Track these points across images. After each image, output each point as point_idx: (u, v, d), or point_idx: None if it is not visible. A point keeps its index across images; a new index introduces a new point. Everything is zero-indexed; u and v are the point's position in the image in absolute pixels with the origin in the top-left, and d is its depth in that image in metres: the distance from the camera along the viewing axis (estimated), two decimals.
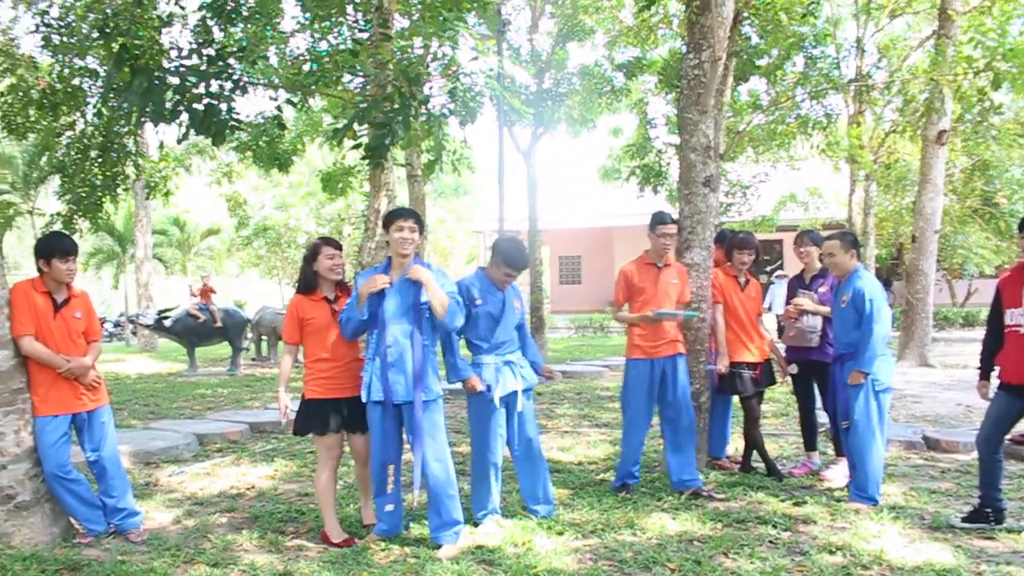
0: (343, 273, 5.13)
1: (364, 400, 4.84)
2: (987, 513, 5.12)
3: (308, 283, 5.06)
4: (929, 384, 11.84)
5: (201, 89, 7.28)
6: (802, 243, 6.65)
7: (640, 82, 18.07)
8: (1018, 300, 5.02)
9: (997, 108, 14.28)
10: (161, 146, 13.87)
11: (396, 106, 7.44)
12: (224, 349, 17.16)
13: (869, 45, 17.10)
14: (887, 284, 6.40)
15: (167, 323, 15.15)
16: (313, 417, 4.97)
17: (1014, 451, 6.91)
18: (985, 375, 5.35)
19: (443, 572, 4.38)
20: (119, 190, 12.05)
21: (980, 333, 5.69)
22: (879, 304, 5.62)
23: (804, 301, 6.46)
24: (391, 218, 4.87)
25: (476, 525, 5.19)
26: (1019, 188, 18.49)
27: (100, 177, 11.17)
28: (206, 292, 15.81)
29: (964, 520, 5.16)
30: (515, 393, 5.28)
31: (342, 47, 9.80)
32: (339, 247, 5.15)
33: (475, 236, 32.37)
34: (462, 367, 5.17)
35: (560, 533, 5.06)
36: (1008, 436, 5.30)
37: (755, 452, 6.66)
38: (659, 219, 6.05)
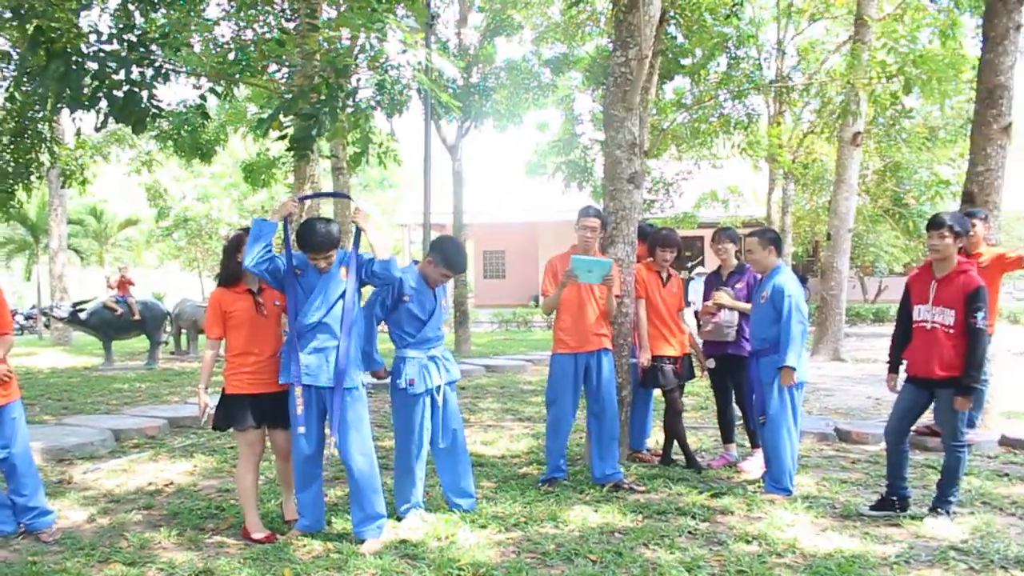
0: None
1: (282, 382, 4.81)
2: (893, 501, 5.33)
3: (231, 275, 4.96)
4: (841, 378, 12.23)
5: (121, 75, 7.07)
6: (719, 240, 6.81)
7: (567, 78, 18.24)
8: (925, 297, 5.23)
9: (908, 112, 14.81)
10: (78, 133, 13.45)
11: (323, 97, 7.36)
12: (142, 343, 16.75)
13: (789, 48, 17.56)
14: (803, 281, 6.67)
15: (82, 316, 14.69)
16: (234, 412, 4.89)
17: (918, 442, 7.20)
18: (894, 369, 5.56)
19: (366, 567, 4.37)
20: (32, 177, 11.66)
21: (890, 328, 5.91)
22: (798, 300, 5.80)
23: (723, 297, 6.63)
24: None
25: (399, 519, 5.19)
26: (927, 189, 19.15)
27: (12, 164, 10.79)
28: (124, 284, 15.38)
29: (872, 508, 5.37)
30: (439, 387, 5.29)
31: (268, 36, 9.65)
32: None
33: (401, 230, 32.17)
34: (377, 358, 5.18)
35: (483, 526, 5.10)
36: (913, 427, 5.52)
37: (675, 445, 6.80)
38: (583, 212, 6.16)
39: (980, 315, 4.98)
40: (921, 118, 17.91)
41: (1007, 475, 6.37)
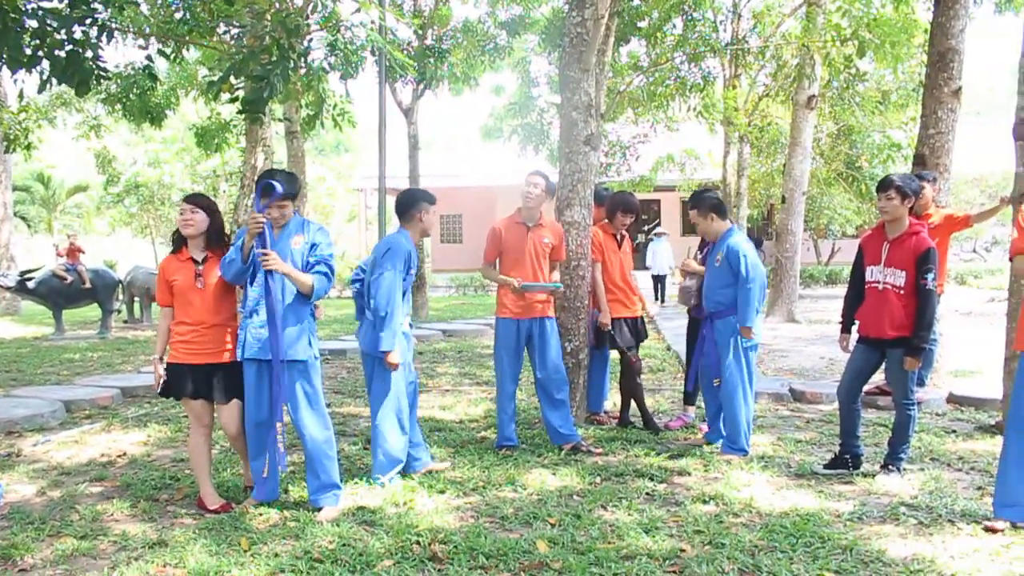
0: (203, 230, 4.82)
1: (239, 358, 4.74)
2: (846, 459, 5.43)
3: (176, 242, 4.89)
4: (795, 339, 12.41)
5: (63, 35, 6.83)
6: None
7: (523, 41, 18.06)
8: (878, 258, 5.29)
9: (861, 76, 14.92)
10: (20, 96, 13.05)
11: (274, 58, 7.19)
12: (94, 311, 16.44)
13: (745, 11, 17.54)
14: (758, 244, 6.69)
15: (31, 284, 14.34)
16: (173, 381, 4.80)
17: (870, 401, 7.34)
18: (846, 329, 5.63)
19: (324, 535, 4.35)
20: None
21: (842, 290, 5.98)
22: (753, 260, 5.84)
23: (690, 263, 6.68)
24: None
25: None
26: (879, 152, 19.40)
27: None
28: (73, 252, 15.04)
29: (826, 467, 5.46)
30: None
31: None
32: (198, 203, 4.85)
33: (356, 194, 31.84)
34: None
35: (441, 491, 5.10)
36: (865, 388, 5.61)
37: (632, 406, 6.85)
38: (531, 172, 6.18)
39: (930, 276, 5.05)
40: (874, 82, 18.07)
41: (955, 431, 6.53)
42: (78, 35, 6.89)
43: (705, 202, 6.10)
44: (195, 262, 4.80)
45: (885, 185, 5.22)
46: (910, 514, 4.60)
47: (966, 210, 7.58)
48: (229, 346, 4.81)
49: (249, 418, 4.78)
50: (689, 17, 15.16)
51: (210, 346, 4.77)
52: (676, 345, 11.43)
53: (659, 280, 19.44)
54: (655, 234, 19.65)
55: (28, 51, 6.66)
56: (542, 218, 6.17)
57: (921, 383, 6.67)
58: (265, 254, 4.55)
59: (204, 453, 4.93)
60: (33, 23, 6.65)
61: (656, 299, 19.15)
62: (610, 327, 6.59)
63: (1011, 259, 4.23)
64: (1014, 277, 6.29)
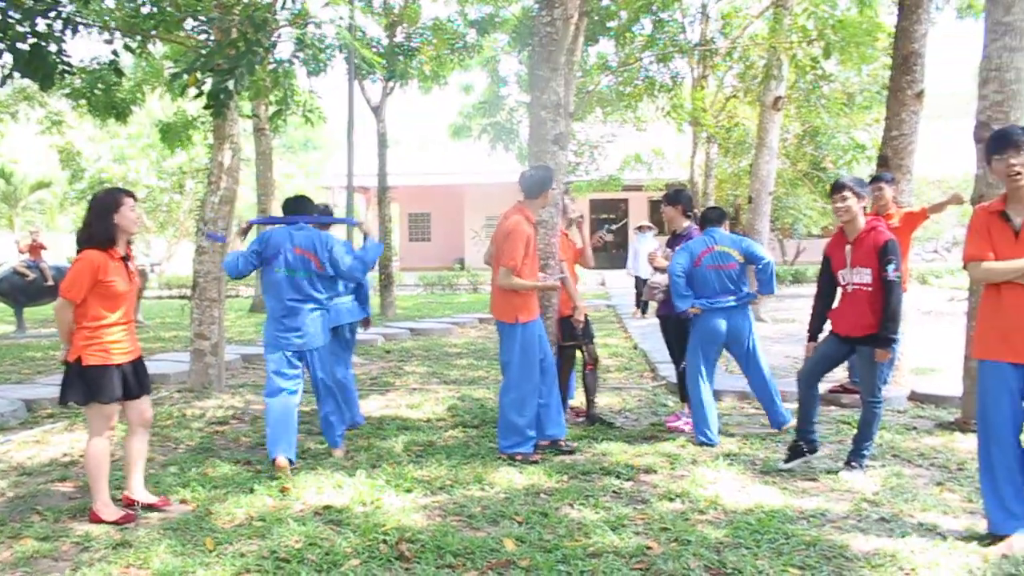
0: None
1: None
2: (801, 446, 5.50)
3: (109, 237, 4.64)
4: (761, 338, 12.39)
5: (26, 27, 6.73)
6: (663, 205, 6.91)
7: (493, 40, 18.05)
8: (843, 261, 5.36)
9: (827, 77, 15.08)
10: None
11: (240, 52, 7.13)
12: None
13: (713, 11, 17.67)
14: None
15: None
16: (105, 384, 4.61)
17: (833, 399, 7.44)
18: (813, 338, 5.69)
19: (289, 534, 4.33)
20: None
21: (808, 289, 6.08)
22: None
23: (659, 260, 6.78)
24: None
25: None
26: (844, 153, 19.61)
27: None
28: (35, 248, 14.82)
29: (786, 461, 5.53)
30: None
31: None
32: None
33: (325, 192, 31.64)
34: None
35: (408, 490, 5.09)
36: (829, 387, 5.69)
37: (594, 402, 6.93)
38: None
39: (891, 267, 5.11)
40: (840, 84, 18.26)
41: (915, 428, 6.64)
42: (41, 28, 6.79)
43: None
44: (124, 259, 4.72)
45: (838, 187, 5.31)
46: (872, 510, 4.67)
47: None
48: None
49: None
50: (658, 18, 15.23)
51: (134, 343, 4.80)
52: (643, 343, 11.49)
53: (643, 284, 16.63)
54: (638, 229, 17.37)
55: None
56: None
57: (883, 381, 6.75)
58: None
59: (107, 460, 4.74)
60: None
61: (637, 306, 16.21)
62: (580, 324, 6.63)
63: (964, 266, 4.30)
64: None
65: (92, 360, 4.59)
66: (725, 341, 6.37)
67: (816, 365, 5.51)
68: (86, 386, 4.60)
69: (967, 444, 5.97)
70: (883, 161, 7.96)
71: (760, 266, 6.40)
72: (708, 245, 6.32)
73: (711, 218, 6.49)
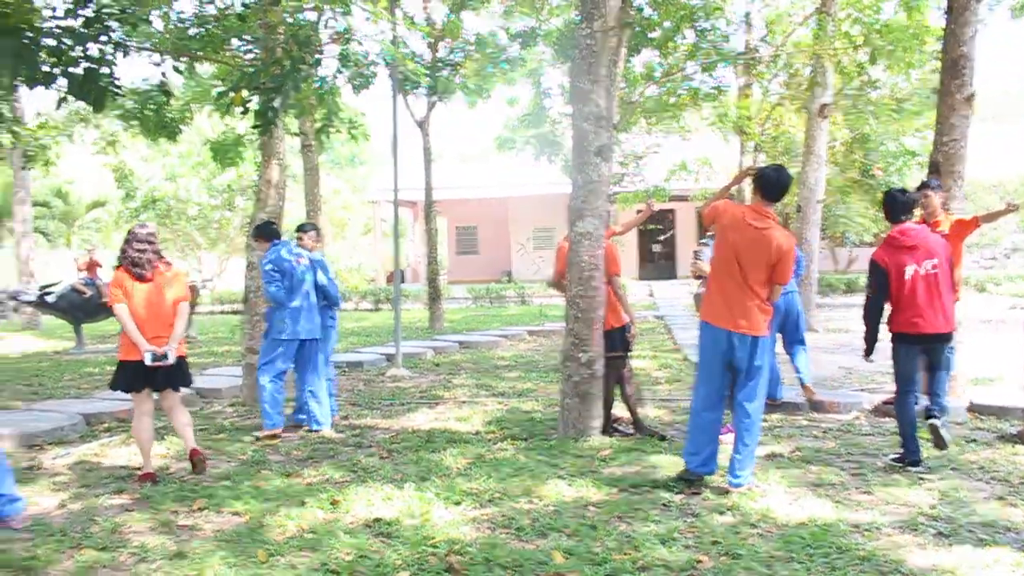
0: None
1: None
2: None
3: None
4: (813, 348, 12.25)
5: (79, 52, 6.93)
6: None
7: (535, 52, 18.12)
8: (905, 261, 5.39)
9: (874, 83, 14.87)
10: (39, 114, 13.21)
11: (286, 70, 7.25)
12: (113, 325, 16.53)
13: (756, 19, 17.54)
14: None
15: (50, 299, 14.46)
16: (132, 376, 5.78)
17: (888, 410, 7.30)
18: (870, 351, 5.67)
19: (340, 547, 4.37)
20: None
21: (860, 299, 6.02)
22: None
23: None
24: None
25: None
26: (894, 160, 19.31)
27: None
28: (92, 266, 15.17)
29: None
30: None
31: (229, 12, 9.47)
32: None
33: (371, 207, 31.96)
34: None
35: (457, 503, 5.10)
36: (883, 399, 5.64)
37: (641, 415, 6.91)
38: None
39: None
40: (888, 89, 18.01)
41: (975, 441, 6.48)
42: (94, 52, 6.98)
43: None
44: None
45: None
46: (929, 524, 4.57)
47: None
48: None
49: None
50: (700, 27, 15.16)
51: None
52: (693, 355, 11.38)
53: None
54: (702, 243, 18.25)
55: (45, 69, 6.76)
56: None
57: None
58: None
59: (152, 433, 6.14)
60: (50, 41, 6.76)
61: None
62: (633, 336, 6.79)
63: None
64: None
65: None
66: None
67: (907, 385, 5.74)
68: (126, 378, 5.89)
69: None
70: (934, 167, 7.82)
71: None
72: None
73: None
